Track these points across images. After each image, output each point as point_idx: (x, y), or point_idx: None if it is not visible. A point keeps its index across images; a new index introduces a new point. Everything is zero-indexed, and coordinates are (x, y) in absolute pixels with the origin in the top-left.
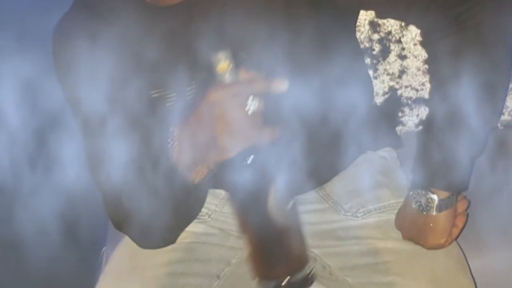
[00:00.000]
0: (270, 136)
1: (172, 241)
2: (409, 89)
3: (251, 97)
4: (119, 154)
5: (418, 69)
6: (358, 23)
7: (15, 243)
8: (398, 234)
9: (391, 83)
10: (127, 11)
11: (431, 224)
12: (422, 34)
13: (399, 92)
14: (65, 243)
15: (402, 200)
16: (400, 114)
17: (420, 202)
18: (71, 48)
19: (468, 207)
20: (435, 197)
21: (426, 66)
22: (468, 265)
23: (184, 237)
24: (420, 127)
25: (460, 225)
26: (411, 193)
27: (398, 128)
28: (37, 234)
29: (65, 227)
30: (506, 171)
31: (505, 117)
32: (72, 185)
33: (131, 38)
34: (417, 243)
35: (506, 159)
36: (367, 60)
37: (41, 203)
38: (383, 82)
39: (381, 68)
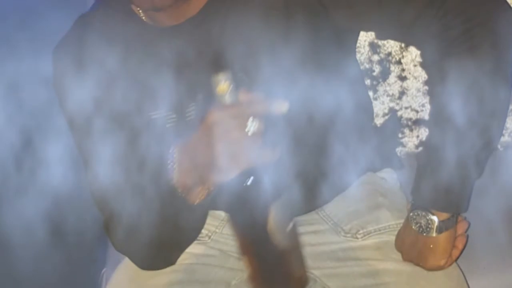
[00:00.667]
0: (270, 157)
1: (172, 262)
2: (409, 110)
3: (251, 119)
4: (119, 175)
5: (418, 90)
6: (358, 44)
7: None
8: (398, 256)
9: (391, 104)
10: (127, 32)
11: (431, 246)
12: (422, 55)
13: (399, 113)
14: (64, 265)
15: (402, 221)
16: (400, 135)
17: (420, 223)
18: (71, 72)
19: (468, 228)
20: (435, 218)
21: (426, 87)
22: (468, 287)
23: (184, 258)
24: (420, 148)
25: (460, 246)
26: (411, 214)
27: (398, 149)
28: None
29: (63, 247)
30: (505, 192)
31: (505, 139)
32: (69, 199)
33: (131, 59)
34: (417, 264)
35: (506, 180)
36: (367, 81)
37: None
38: (383, 103)
39: (381, 89)
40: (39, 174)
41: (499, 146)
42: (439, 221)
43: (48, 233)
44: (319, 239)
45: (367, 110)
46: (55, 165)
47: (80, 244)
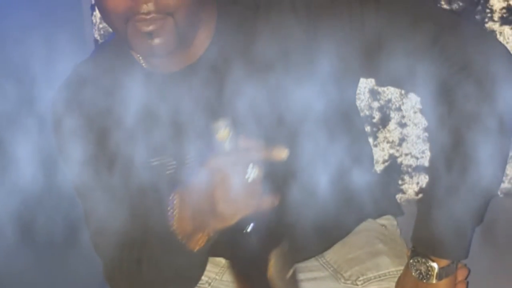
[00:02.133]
0: (270, 204)
1: None
2: (409, 157)
3: (251, 165)
4: (120, 223)
5: (418, 137)
6: (358, 91)
7: None
8: None
9: (391, 151)
10: (127, 79)
11: None
12: (422, 102)
13: (399, 160)
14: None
15: (402, 268)
16: (400, 182)
17: (420, 270)
18: (69, 120)
19: (468, 275)
20: (435, 265)
21: (426, 134)
22: None
23: None
24: (420, 195)
25: None
26: (411, 261)
27: (398, 196)
28: None
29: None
30: (506, 239)
31: (505, 185)
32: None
33: (130, 106)
34: None
35: (506, 227)
36: (367, 128)
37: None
38: (383, 150)
39: (381, 136)
40: (7, 174)
41: (499, 193)
42: (439, 268)
43: (17, 233)
44: (319, 286)
45: (367, 157)
46: (24, 165)
47: (49, 244)
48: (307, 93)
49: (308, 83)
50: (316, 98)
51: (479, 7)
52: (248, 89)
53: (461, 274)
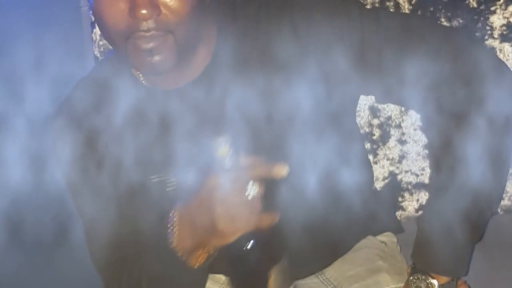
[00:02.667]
0: (270, 221)
1: None
2: (409, 174)
3: (251, 182)
4: (120, 239)
5: (418, 154)
6: (358, 108)
7: None
8: None
9: (391, 168)
10: (127, 96)
11: None
12: (422, 119)
13: (399, 177)
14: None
15: (402, 285)
16: (400, 199)
17: (420, 287)
18: (70, 136)
19: None
20: (435, 282)
21: (426, 151)
22: None
23: None
24: (420, 212)
25: None
26: (411, 278)
27: (398, 213)
28: None
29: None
30: (506, 256)
31: (505, 202)
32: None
33: (131, 123)
34: None
35: (506, 244)
36: (367, 145)
37: None
38: (383, 167)
39: (381, 153)
40: None
41: (499, 210)
42: (439, 285)
43: (6, 233)
44: None
45: (368, 174)
46: (13, 165)
47: (38, 244)
48: (307, 110)
49: (308, 99)
50: (317, 115)
51: (479, 24)
52: (248, 106)
53: None
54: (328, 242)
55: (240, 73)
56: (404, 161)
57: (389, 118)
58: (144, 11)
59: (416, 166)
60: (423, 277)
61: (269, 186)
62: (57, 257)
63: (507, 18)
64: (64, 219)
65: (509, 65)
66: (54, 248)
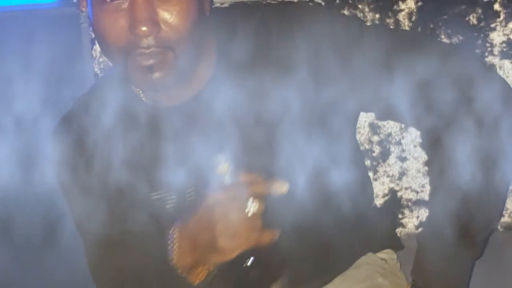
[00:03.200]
0: (270, 238)
1: None
2: (409, 191)
3: (251, 199)
4: (120, 255)
5: (418, 171)
6: (358, 125)
7: None
8: None
9: (391, 185)
10: (127, 113)
11: None
12: (422, 136)
13: (399, 193)
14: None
15: None
16: (400, 216)
17: None
18: (70, 153)
19: None
20: None
21: (426, 168)
22: None
23: None
24: (420, 229)
25: None
26: None
27: (398, 230)
28: None
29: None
30: (506, 273)
31: (505, 219)
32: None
33: (130, 140)
34: None
35: (506, 261)
36: (367, 162)
37: None
38: (383, 184)
39: (381, 170)
40: None
41: (499, 227)
42: None
43: None
44: None
45: (367, 191)
46: (2, 166)
47: (27, 244)
48: (308, 123)
49: (309, 112)
50: (317, 128)
51: (479, 41)
52: (247, 124)
53: None
54: (328, 259)
55: (240, 92)
56: (404, 178)
57: (389, 135)
58: (144, 28)
59: (416, 183)
60: None
61: (269, 203)
62: (46, 257)
63: (507, 35)
64: (54, 219)
65: (509, 82)
66: (43, 248)
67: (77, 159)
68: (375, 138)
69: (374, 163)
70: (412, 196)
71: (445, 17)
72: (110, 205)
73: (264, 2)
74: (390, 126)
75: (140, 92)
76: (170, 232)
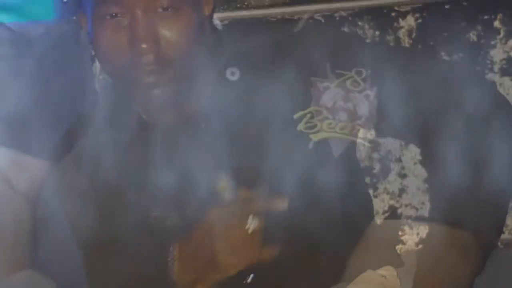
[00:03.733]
0: (270, 255)
1: None
2: (409, 208)
3: (251, 216)
4: (119, 272)
5: (418, 188)
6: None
7: None
8: None
9: (391, 202)
10: (127, 131)
11: None
12: (421, 154)
13: (399, 211)
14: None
15: None
16: (400, 233)
17: None
18: (71, 172)
19: None
20: None
21: (426, 185)
22: None
23: None
24: (420, 246)
25: None
26: None
27: (398, 247)
28: None
29: None
30: None
31: (505, 236)
32: None
33: (130, 157)
34: None
35: (506, 278)
36: (367, 179)
37: None
38: (383, 201)
39: (381, 187)
40: None
41: (499, 244)
42: None
43: None
44: None
45: (368, 208)
46: None
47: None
48: (304, 145)
49: (307, 138)
50: (315, 153)
51: (479, 58)
52: (245, 142)
53: None
54: (328, 276)
55: (239, 110)
56: (404, 195)
57: (389, 152)
58: (144, 45)
59: (416, 200)
60: None
61: (269, 220)
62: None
63: (507, 52)
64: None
65: (509, 99)
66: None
67: (79, 179)
68: (375, 155)
69: (374, 180)
70: (412, 213)
71: (445, 34)
72: (109, 222)
73: (264, 19)
74: (390, 144)
75: (140, 109)
76: (170, 249)
